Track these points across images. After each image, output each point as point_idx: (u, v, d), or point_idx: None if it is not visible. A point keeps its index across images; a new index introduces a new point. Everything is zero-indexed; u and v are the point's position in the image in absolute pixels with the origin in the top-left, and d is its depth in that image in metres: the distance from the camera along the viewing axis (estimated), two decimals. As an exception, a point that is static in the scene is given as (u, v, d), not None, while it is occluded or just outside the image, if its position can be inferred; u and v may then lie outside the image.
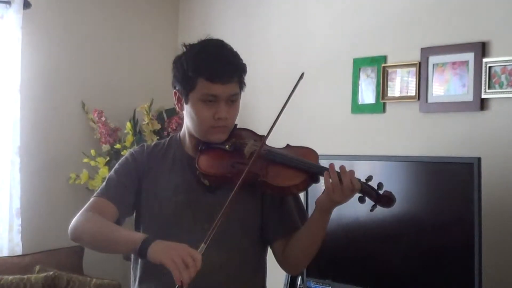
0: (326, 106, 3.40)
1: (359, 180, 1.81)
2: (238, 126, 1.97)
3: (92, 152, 3.76)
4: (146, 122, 3.86)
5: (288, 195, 1.92)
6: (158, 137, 3.80)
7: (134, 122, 3.86)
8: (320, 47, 3.43)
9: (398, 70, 3.06)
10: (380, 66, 3.12)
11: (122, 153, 3.69)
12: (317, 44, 3.45)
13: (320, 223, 1.86)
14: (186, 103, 1.88)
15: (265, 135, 1.90)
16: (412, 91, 3.00)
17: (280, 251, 1.94)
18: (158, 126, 3.88)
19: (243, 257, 1.91)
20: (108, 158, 3.75)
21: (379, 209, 1.84)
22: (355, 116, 3.26)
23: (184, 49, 1.90)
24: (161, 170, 1.93)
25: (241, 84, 1.90)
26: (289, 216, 1.94)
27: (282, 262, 1.96)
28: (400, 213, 2.66)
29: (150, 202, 1.91)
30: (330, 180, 1.77)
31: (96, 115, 3.81)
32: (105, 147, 3.79)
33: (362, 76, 3.21)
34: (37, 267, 3.43)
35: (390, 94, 3.10)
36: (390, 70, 3.09)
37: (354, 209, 2.76)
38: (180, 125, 3.85)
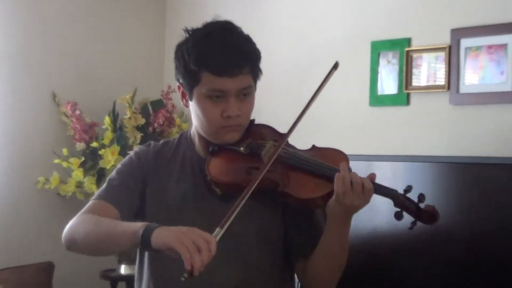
0: (340, 98, 3.38)
1: (395, 191, 1.81)
2: (256, 122, 1.97)
3: (65, 151, 3.73)
4: (128, 116, 3.83)
5: (313, 208, 1.90)
6: (142, 134, 3.79)
7: (114, 116, 3.83)
8: (333, 29, 3.44)
9: (425, 55, 3.06)
10: (403, 51, 3.13)
11: (99, 152, 3.68)
12: (329, 25, 3.46)
13: (336, 235, 1.83)
14: (191, 99, 1.88)
15: (286, 133, 1.89)
16: (441, 80, 3.00)
17: (301, 271, 1.93)
18: (142, 121, 3.85)
19: (265, 274, 1.90)
20: (83, 159, 3.72)
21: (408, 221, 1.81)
22: (374, 110, 3.25)
23: (186, 35, 1.88)
24: (169, 174, 1.94)
25: (255, 74, 1.89)
26: (315, 231, 1.90)
27: (305, 283, 1.95)
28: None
29: (156, 209, 1.91)
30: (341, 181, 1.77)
31: (69, 108, 3.78)
32: (80, 146, 3.77)
33: (382, 62, 3.20)
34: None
35: (415, 83, 3.10)
36: (415, 55, 3.09)
37: (372, 217, 2.77)
38: (168, 119, 3.84)
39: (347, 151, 3.12)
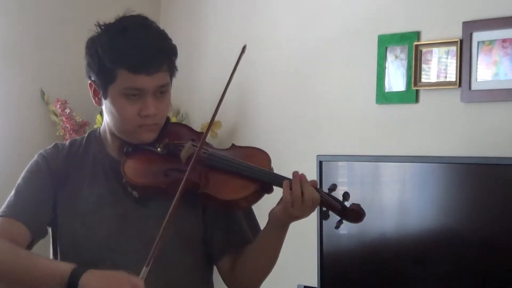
0: (345, 95, 3.38)
1: (320, 190, 1.88)
2: (175, 121, 2.00)
3: (54, 152, 3.74)
4: (121, 115, 3.84)
5: (235, 210, 1.95)
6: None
7: (106, 115, 3.84)
8: (338, 21, 3.43)
9: (435, 50, 3.05)
10: (412, 45, 3.11)
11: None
12: (333, 18, 3.45)
13: (275, 239, 1.92)
14: (105, 98, 1.90)
15: (204, 132, 1.93)
16: (451, 76, 3.00)
17: (227, 270, 1.99)
18: (135, 120, 3.86)
19: (186, 279, 1.94)
20: (73, 160, 3.73)
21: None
22: (381, 108, 3.25)
23: (99, 30, 1.92)
24: (80, 178, 1.94)
25: (172, 71, 1.92)
26: (237, 228, 1.98)
27: (230, 282, 2.01)
28: (439, 227, 2.66)
29: (69, 218, 1.92)
30: (291, 192, 1.82)
31: (58, 106, 3.80)
32: (70, 146, 3.77)
33: (390, 57, 3.20)
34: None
35: (424, 79, 3.09)
36: (424, 50, 3.09)
37: (379, 222, 2.78)
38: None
39: (352, 151, 3.18)
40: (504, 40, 2.84)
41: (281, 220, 1.87)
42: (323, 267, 2.94)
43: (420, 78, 3.09)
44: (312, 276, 2.99)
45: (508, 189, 2.53)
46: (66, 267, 1.72)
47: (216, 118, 3.68)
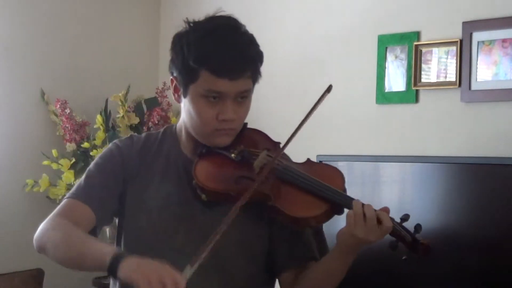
0: (345, 95, 3.38)
1: (393, 219, 1.80)
2: (248, 126, 1.97)
3: (54, 152, 3.74)
4: (121, 115, 3.83)
5: (303, 228, 1.90)
6: (135, 134, 3.78)
7: (106, 115, 3.84)
8: (338, 21, 3.44)
9: (435, 50, 3.06)
10: (412, 45, 3.12)
11: (91, 153, 3.68)
12: (334, 18, 3.46)
13: (341, 262, 1.84)
14: (185, 96, 1.87)
15: (282, 145, 1.89)
16: (451, 76, 3.01)
17: (289, 284, 1.94)
18: (136, 120, 3.85)
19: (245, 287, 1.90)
20: (73, 160, 3.72)
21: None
22: (381, 108, 3.26)
23: (187, 27, 1.87)
24: (152, 172, 1.93)
25: (256, 77, 1.88)
26: (304, 243, 1.93)
27: None
28: (439, 227, 2.66)
29: (136, 211, 1.91)
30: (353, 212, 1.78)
31: (58, 106, 3.79)
32: (70, 146, 3.77)
33: (390, 57, 3.20)
34: (-14, 296, 3.41)
35: (424, 79, 3.10)
36: (424, 50, 3.09)
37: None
38: (163, 118, 3.84)
39: (352, 151, 3.18)
40: (504, 40, 2.85)
41: (347, 241, 1.79)
42: (323, 267, 2.94)
43: (420, 78, 3.10)
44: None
45: (508, 189, 2.53)
46: (111, 249, 1.70)
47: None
